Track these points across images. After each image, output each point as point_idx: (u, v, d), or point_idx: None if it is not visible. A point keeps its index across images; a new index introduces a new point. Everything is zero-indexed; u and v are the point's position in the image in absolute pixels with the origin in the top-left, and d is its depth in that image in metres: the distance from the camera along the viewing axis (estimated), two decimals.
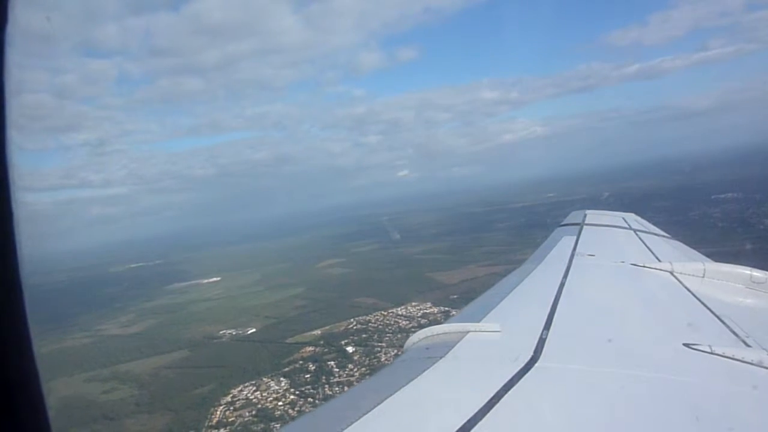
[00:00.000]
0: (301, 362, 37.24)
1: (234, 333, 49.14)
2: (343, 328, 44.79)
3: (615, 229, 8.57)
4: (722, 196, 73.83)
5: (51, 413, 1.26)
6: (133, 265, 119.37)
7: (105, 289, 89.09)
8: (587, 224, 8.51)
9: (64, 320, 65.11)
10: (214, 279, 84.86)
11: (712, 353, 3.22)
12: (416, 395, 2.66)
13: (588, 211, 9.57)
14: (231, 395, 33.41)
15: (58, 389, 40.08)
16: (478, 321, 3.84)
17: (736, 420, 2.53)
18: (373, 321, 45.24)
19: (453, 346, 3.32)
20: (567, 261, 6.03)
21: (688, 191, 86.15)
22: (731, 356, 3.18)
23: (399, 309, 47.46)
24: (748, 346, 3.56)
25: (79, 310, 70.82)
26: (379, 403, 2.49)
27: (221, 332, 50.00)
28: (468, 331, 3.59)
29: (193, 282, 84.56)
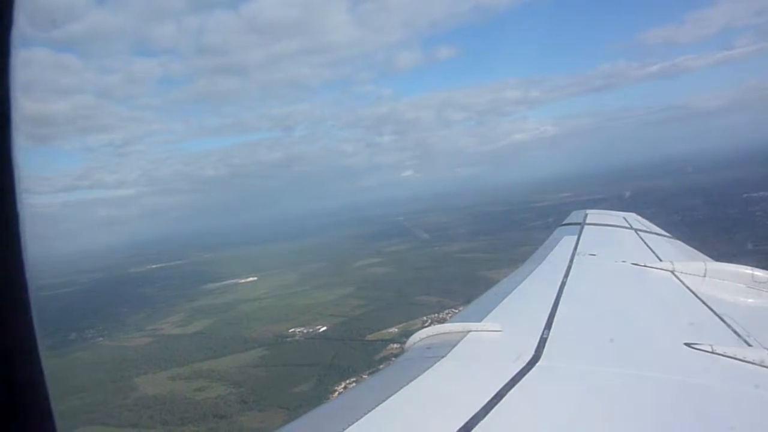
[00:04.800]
0: (394, 359, 37.44)
1: (305, 331, 49.29)
2: (419, 325, 44.94)
3: (616, 228, 8.67)
4: (755, 194, 74.49)
5: (56, 415, 1.26)
6: (153, 266, 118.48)
7: (136, 289, 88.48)
8: (588, 224, 8.62)
9: (112, 321, 64.97)
10: (251, 279, 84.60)
11: (713, 353, 3.24)
12: (418, 394, 2.68)
13: (589, 211, 9.71)
14: (337, 392, 33.61)
15: (144, 387, 40.28)
16: (480, 320, 3.86)
17: (737, 419, 2.53)
18: (448, 319, 45.44)
19: (454, 346, 3.33)
20: (568, 260, 6.07)
21: (715, 190, 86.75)
22: (732, 356, 3.20)
23: None
24: (750, 345, 3.60)
25: (123, 311, 70.59)
26: (380, 403, 2.51)
27: (290, 330, 50.12)
28: (469, 331, 3.61)
29: (229, 282, 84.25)
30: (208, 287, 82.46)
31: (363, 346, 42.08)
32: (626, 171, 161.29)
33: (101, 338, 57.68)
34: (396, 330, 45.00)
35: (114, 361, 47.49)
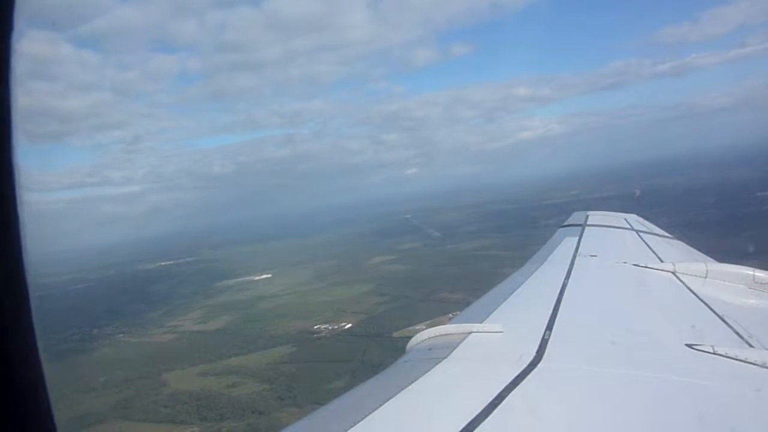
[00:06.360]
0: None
1: (330, 328, 49.42)
2: (446, 322, 44.99)
3: (617, 229, 8.71)
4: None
5: (57, 417, 1.25)
6: (163, 263, 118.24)
7: (150, 286, 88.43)
8: (589, 225, 8.67)
9: (130, 317, 64.96)
10: (265, 276, 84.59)
11: (714, 354, 3.24)
12: (419, 396, 2.71)
13: (590, 212, 9.75)
14: None
15: (175, 383, 40.37)
16: (481, 321, 3.89)
17: (739, 421, 2.54)
18: None
19: (456, 347, 3.36)
20: (569, 262, 6.09)
21: (727, 188, 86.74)
22: (734, 357, 3.20)
23: None
24: (751, 346, 3.60)
25: (140, 308, 70.45)
26: (382, 404, 2.53)
27: (315, 327, 50.26)
28: (470, 332, 3.63)
29: (243, 279, 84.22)
30: (222, 284, 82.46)
31: (391, 343, 42.10)
32: (635, 169, 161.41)
33: (121, 335, 57.73)
34: (423, 327, 44.12)
35: (139, 357, 47.56)
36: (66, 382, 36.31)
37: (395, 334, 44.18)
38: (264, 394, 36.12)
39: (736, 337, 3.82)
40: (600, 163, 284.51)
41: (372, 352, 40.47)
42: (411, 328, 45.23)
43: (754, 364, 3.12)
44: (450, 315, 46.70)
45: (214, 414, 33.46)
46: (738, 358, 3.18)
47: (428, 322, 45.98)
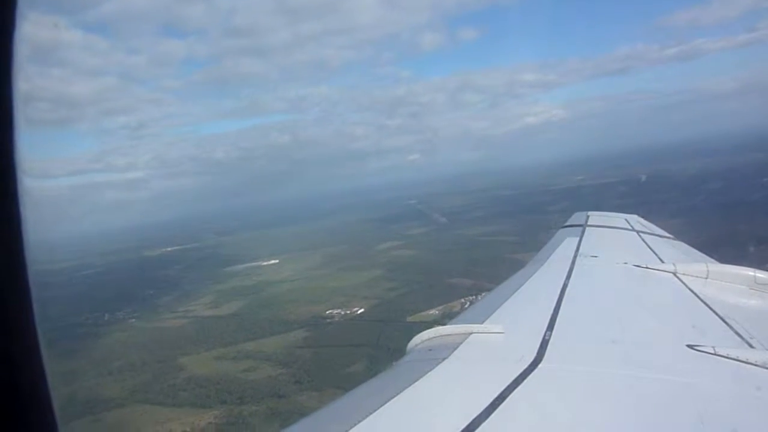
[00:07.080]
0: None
1: (342, 313, 49.71)
2: (458, 308, 45.19)
3: (618, 230, 8.75)
4: None
5: (58, 414, 1.23)
6: (168, 249, 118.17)
7: (157, 272, 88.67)
8: (590, 225, 8.66)
9: (141, 302, 65.27)
10: (273, 261, 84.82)
11: (715, 354, 3.25)
12: (420, 396, 2.73)
13: (590, 213, 9.79)
14: None
15: (192, 367, 40.75)
16: (482, 322, 3.92)
17: (739, 421, 2.55)
18: None
19: (456, 348, 3.38)
20: (570, 262, 6.09)
21: (733, 174, 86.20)
22: (735, 357, 3.21)
23: None
24: (752, 347, 3.60)
25: (150, 293, 70.75)
26: (383, 404, 2.55)
27: (328, 312, 50.54)
28: (471, 333, 3.65)
29: (251, 264, 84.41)
30: (230, 270, 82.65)
31: (405, 328, 42.32)
32: (640, 154, 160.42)
33: (133, 319, 58.02)
34: (436, 312, 45.26)
35: (154, 341, 47.92)
36: (82, 367, 36.68)
37: (409, 319, 44.46)
38: (281, 378, 36.43)
39: (737, 337, 3.82)
40: (605, 148, 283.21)
41: (387, 337, 40.67)
42: (424, 312, 45.62)
43: (755, 365, 3.13)
44: (462, 300, 47.06)
45: (234, 398, 33.81)
46: (739, 359, 3.19)
47: (440, 307, 46.33)
